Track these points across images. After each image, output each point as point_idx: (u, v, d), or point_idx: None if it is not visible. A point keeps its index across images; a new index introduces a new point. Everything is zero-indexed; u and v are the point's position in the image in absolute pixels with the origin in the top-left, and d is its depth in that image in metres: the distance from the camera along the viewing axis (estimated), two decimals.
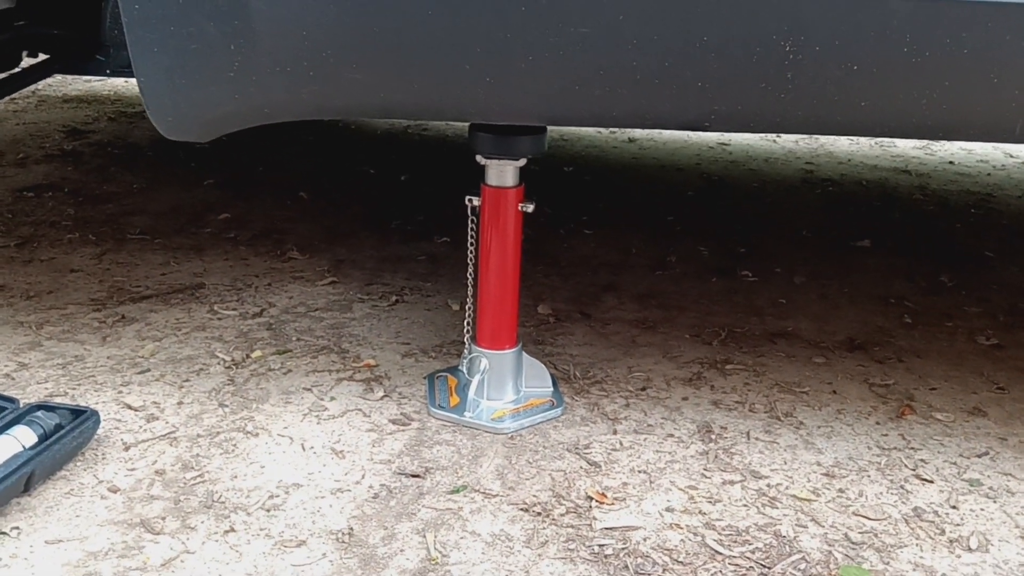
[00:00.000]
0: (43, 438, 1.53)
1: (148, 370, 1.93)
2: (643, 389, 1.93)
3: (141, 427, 1.72)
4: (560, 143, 3.94)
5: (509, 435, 1.75)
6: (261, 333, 2.14)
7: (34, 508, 1.47)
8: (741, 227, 2.96)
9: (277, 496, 1.53)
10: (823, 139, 4.27)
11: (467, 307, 1.84)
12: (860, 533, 1.48)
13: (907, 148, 4.16)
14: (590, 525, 1.48)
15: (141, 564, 1.36)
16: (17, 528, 1.42)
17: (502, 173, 1.75)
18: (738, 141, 4.11)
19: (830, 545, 1.45)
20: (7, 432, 1.51)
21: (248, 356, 2.02)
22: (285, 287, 2.40)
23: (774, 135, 4.30)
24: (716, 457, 1.68)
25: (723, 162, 3.74)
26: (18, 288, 2.31)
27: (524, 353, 1.86)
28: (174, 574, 1.34)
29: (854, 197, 3.35)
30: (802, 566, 1.40)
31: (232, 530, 1.44)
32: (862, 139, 4.25)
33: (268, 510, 1.50)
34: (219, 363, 1.98)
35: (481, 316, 1.82)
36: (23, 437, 1.50)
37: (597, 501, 1.55)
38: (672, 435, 1.76)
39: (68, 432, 1.55)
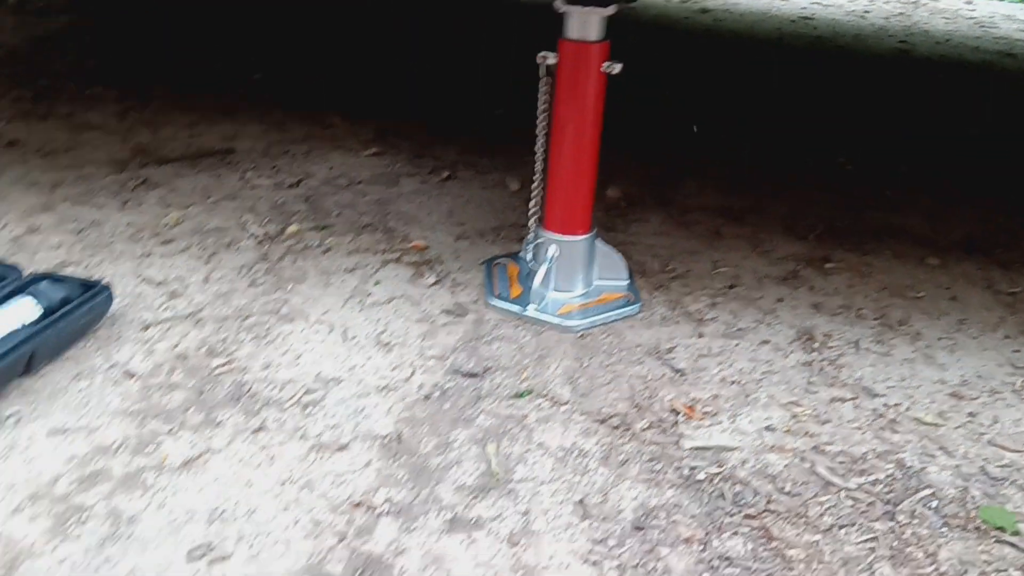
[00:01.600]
0: (48, 313, 1.32)
1: (172, 241, 1.72)
2: (731, 287, 1.68)
3: (162, 304, 1.51)
4: (625, 12, 3.58)
5: (579, 333, 1.52)
6: (298, 206, 1.91)
7: (37, 392, 1.28)
8: (834, 110, 2.63)
9: (315, 391, 1.33)
10: (916, 16, 3.86)
11: (534, 185, 1.58)
12: (999, 467, 1.25)
13: (1011, 30, 3.73)
14: (677, 443, 1.27)
15: (157, 463, 1.17)
16: (16, 415, 1.23)
17: (585, 24, 1.46)
18: (823, 16, 3.71)
19: (965, 480, 1.22)
20: (6, 305, 1.30)
21: (283, 230, 1.79)
22: (325, 156, 2.16)
23: (863, 9, 3.89)
24: (821, 369, 1.45)
25: (807, 37, 3.37)
26: (32, 144, 2.09)
27: (598, 240, 1.61)
28: (195, 477, 1.15)
29: (956, 80, 2.99)
30: (933, 504, 1.17)
31: (263, 428, 1.25)
32: (960, 19, 3.83)
33: (304, 407, 1.30)
34: (251, 237, 1.76)
35: (551, 196, 1.57)
36: (25, 311, 1.30)
37: (685, 415, 1.32)
38: (768, 341, 1.52)
39: (77, 307, 1.35)
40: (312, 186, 2.01)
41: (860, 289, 1.69)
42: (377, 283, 1.63)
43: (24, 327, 1.28)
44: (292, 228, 1.81)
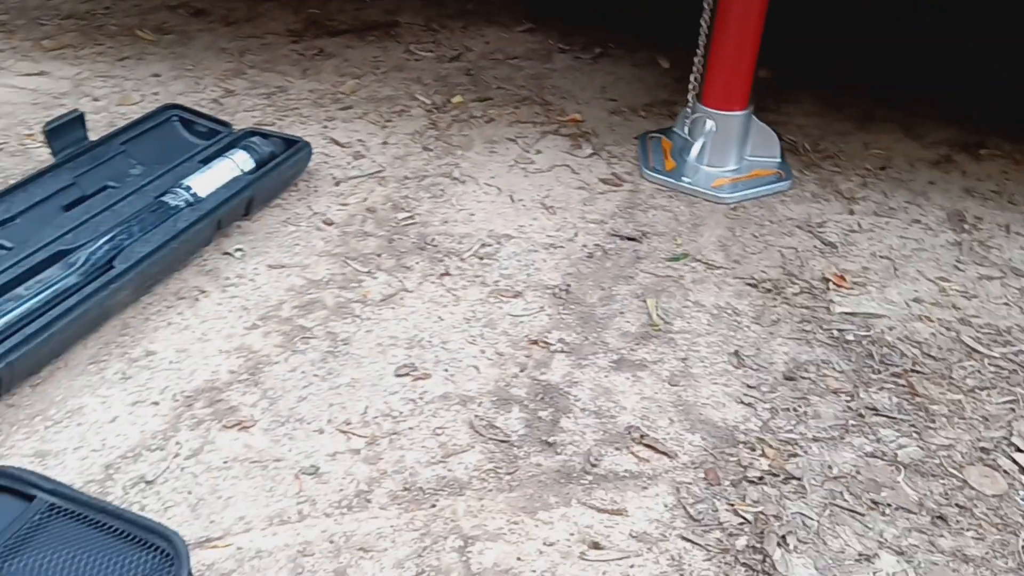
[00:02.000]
0: (260, 164, 1.49)
1: (350, 107, 1.86)
2: (882, 168, 1.72)
3: (349, 164, 1.67)
4: None
5: (731, 205, 1.60)
6: (460, 78, 2.02)
7: (255, 233, 1.46)
8: None
9: (489, 245, 1.47)
10: None
11: (696, 58, 1.64)
12: None
13: None
14: (827, 308, 1.36)
15: (361, 297, 1.34)
16: (241, 250, 1.42)
17: None
18: None
19: None
20: (227, 155, 1.48)
21: (448, 101, 1.91)
22: (480, 31, 2.25)
23: None
24: (971, 249, 1.49)
25: None
26: (217, 13, 2.25)
27: (754, 117, 1.67)
28: (393, 310, 1.32)
29: None
30: None
31: (447, 274, 1.40)
32: None
33: (481, 258, 1.44)
34: (420, 106, 1.89)
35: (712, 70, 1.62)
36: (242, 161, 1.48)
37: (835, 284, 1.41)
38: (918, 221, 1.57)
39: (284, 160, 1.51)
40: (471, 60, 2.11)
41: (1014, 176, 1.70)
42: (538, 152, 1.74)
43: (243, 175, 1.46)
44: (457, 99, 1.93)
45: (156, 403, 1.13)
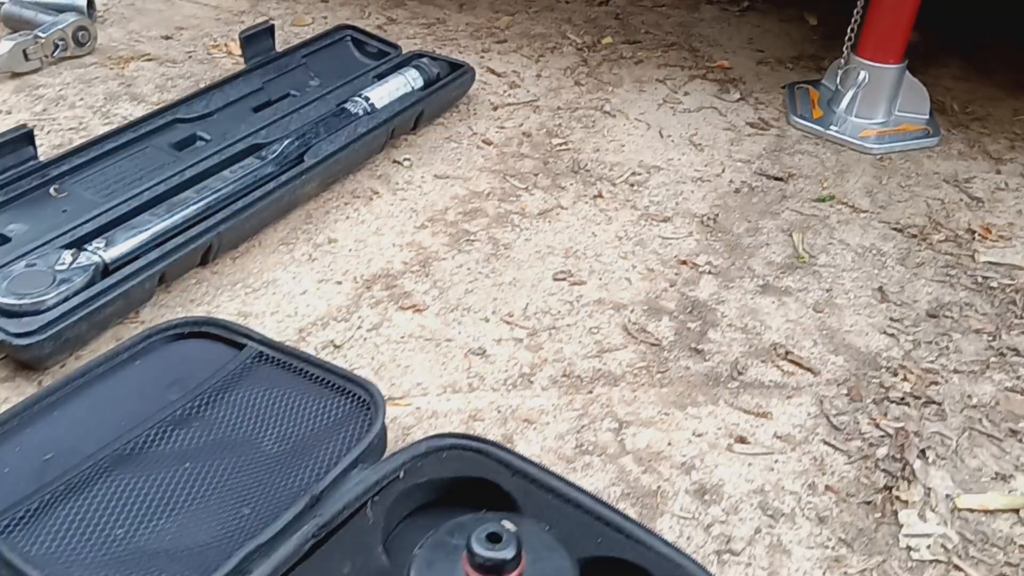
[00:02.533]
0: (428, 83, 1.59)
1: (505, 41, 1.95)
2: None
3: (505, 92, 1.76)
4: None
5: (878, 156, 1.63)
6: (608, 22, 2.08)
7: (420, 146, 1.56)
8: None
9: (639, 174, 1.54)
10: None
11: (856, 9, 1.66)
12: None
13: None
14: (972, 256, 1.38)
15: (520, 210, 1.43)
16: (408, 160, 1.52)
17: None
18: None
19: None
20: (400, 72, 1.58)
21: (598, 42, 1.98)
22: None
23: None
24: None
25: None
26: None
27: (907, 73, 1.69)
28: (550, 223, 1.40)
29: None
30: None
31: (600, 196, 1.48)
32: None
33: (631, 185, 1.51)
34: (570, 44, 1.96)
35: (870, 21, 1.65)
36: (412, 79, 1.58)
37: (980, 235, 1.43)
38: None
39: (450, 82, 1.61)
40: (619, 5, 2.16)
41: None
42: (686, 94, 1.80)
43: (414, 91, 1.56)
44: (606, 40, 1.99)
45: (339, 282, 1.25)
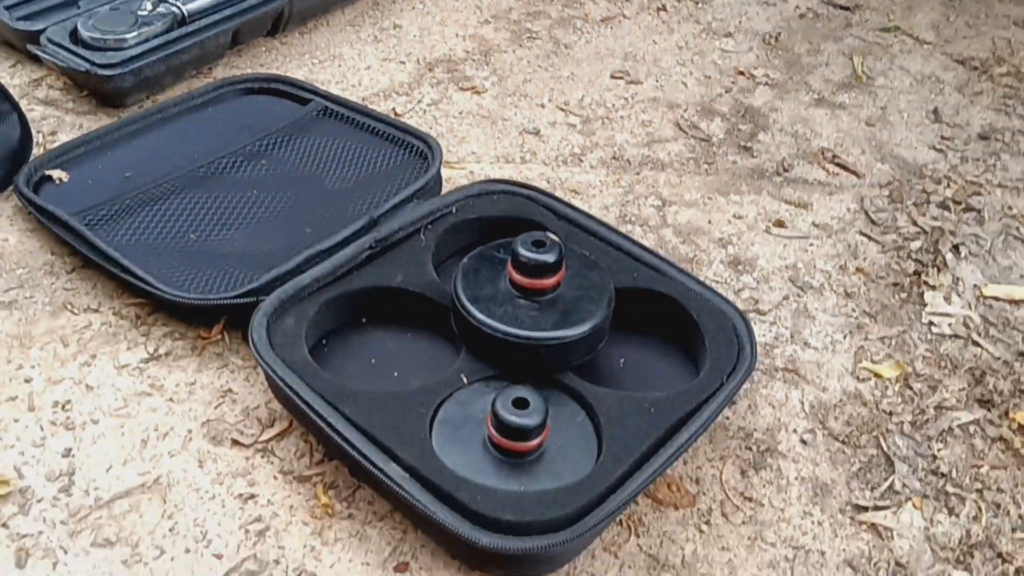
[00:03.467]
0: None
1: None
2: None
3: None
4: None
5: None
6: None
7: None
8: None
9: None
10: None
11: None
12: None
13: None
14: None
15: (583, 15, 1.44)
16: None
17: None
18: None
19: None
20: None
21: None
22: None
23: None
24: None
25: None
26: None
27: None
28: (611, 30, 1.42)
29: None
30: None
31: (663, 8, 1.48)
32: None
33: (696, 1, 1.51)
34: None
35: None
36: None
37: None
38: None
39: None
40: None
41: None
42: None
43: None
44: None
45: (403, 62, 1.29)
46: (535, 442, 0.72)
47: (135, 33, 1.09)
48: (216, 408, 0.81)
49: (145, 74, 1.10)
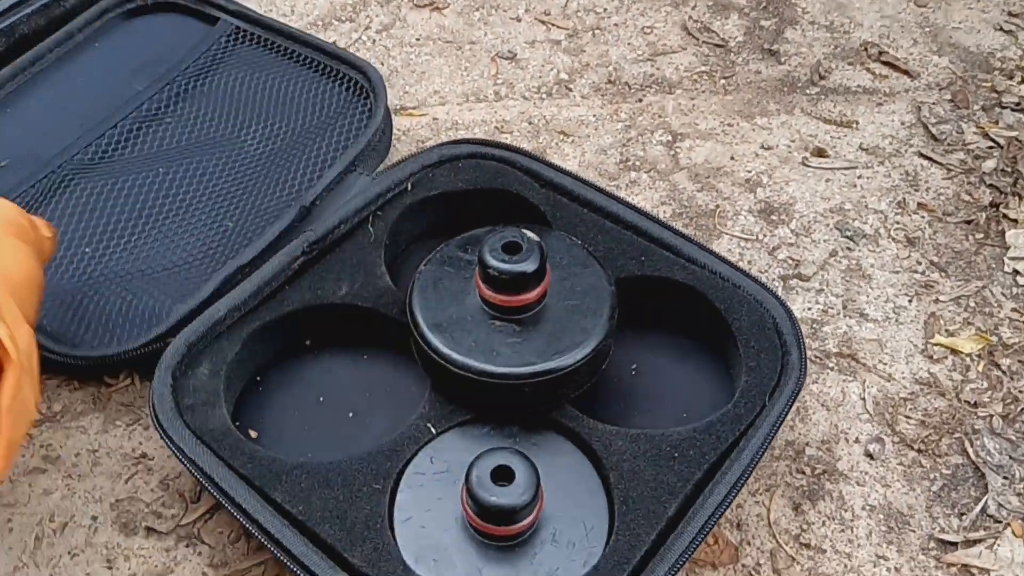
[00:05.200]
0: None
1: None
2: None
3: None
4: None
5: None
6: None
7: None
8: None
9: None
10: None
11: None
12: None
13: None
14: None
15: None
16: None
17: None
18: None
19: None
20: None
21: None
22: None
23: None
24: None
25: None
26: None
27: None
28: None
29: None
30: None
31: None
32: None
33: None
34: None
35: None
36: None
37: None
38: None
39: None
40: None
41: None
42: None
43: None
44: None
45: None
46: (525, 523, 0.55)
47: None
48: (127, 482, 0.64)
49: (20, 31, 0.89)
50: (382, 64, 0.96)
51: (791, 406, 0.60)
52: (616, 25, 1.01)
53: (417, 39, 0.99)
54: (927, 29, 1.01)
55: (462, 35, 1.00)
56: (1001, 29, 1.01)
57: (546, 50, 0.98)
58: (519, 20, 1.02)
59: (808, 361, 0.71)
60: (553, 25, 1.01)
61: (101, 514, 0.63)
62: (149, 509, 0.63)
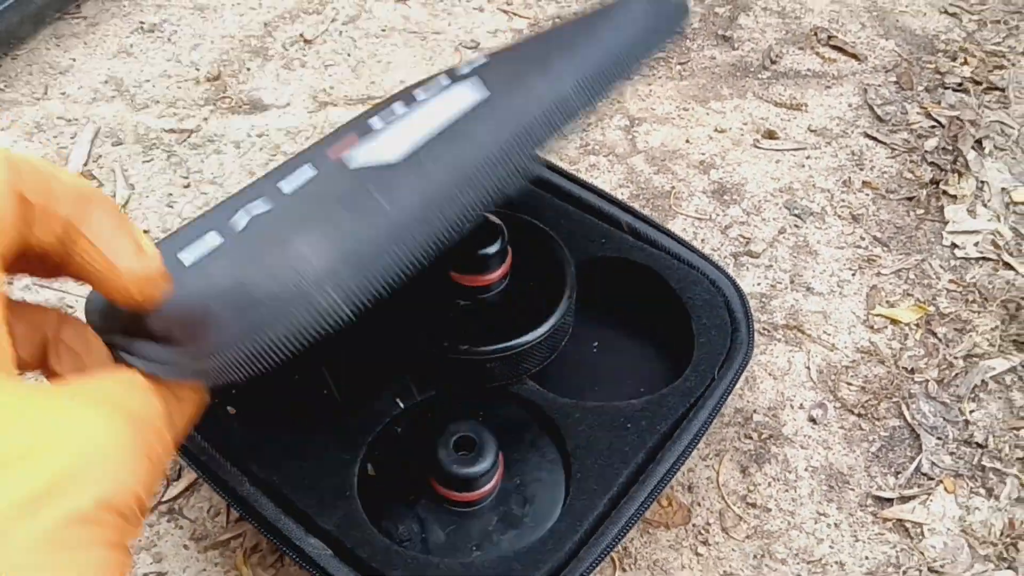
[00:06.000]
0: None
1: None
2: None
3: None
4: None
5: None
6: None
7: None
8: None
9: None
10: None
11: None
12: None
13: None
14: None
15: None
16: None
17: None
18: None
19: None
20: None
21: None
22: None
23: None
24: None
25: None
26: None
27: None
28: None
29: None
30: None
31: None
32: None
33: None
34: None
35: None
36: None
37: None
38: None
39: None
40: None
41: None
42: None
43: None
44: None
45: None
46: (486, 489, 0.59)
47: None
48: None
49: None
50: (349, 55, 0.99)
51: (737, 379, 0.64)
52: (576, 14, 1.04)
53: (383, 30, 1.02)
54: (875, 13, 1.05)
55: (427, 25, 1.03)
56: (946, 12, 1.06)
57: (509, 39, 1.02)
58: (482, 10, 1.05)
59: (757, 334, 0.75)
60: (515, 15, 1.04)
61: None
62: None
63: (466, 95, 0.50)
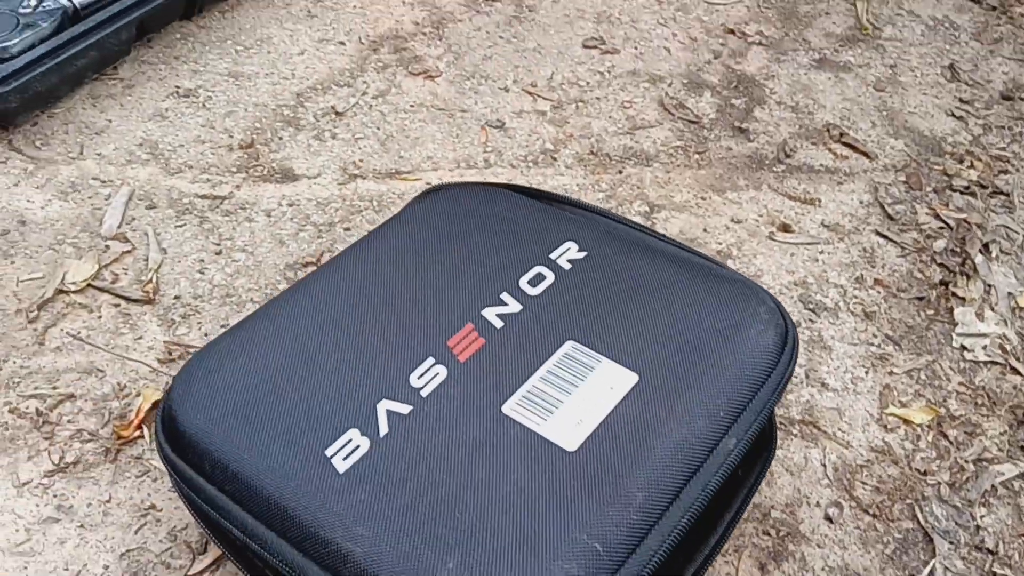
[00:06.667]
0: None
1: None
2: None
3: None
4: None
5: None
6: None
7: None
8: None
9: None
10: None
11: None
12: None
13: None
14: None
15: None
16: None
17: None
18: None
19: None
20: None
21: None
22: None
23: None
24: None
25: None
26: None
27: None
28: None
29: None
30: None
31: None
32: None
33: None
34: None
35: None
36: None
37: None
38: None
39: None
40: None
41: None
42: None
43: None
44: None
45: (342, 43, 1.11)
46: None
47: (17, 40, 0.91)
48: (136, 533, 0.68)
49: (34, 88, 0.92)
50: (378, 129, 1.01)
51: (762, 478, 0.66)
52: (598, 99, 1.08)
53: (411, 106, 1.05)
54: (884, 112, 1.09)
55: (454, 103, 1.06)
56: (952, 115, 1.10)
57: (533, 120, 1.05)
58: (507, 90, 1.08)
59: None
60: (539, 96, 1.08)
61: (112, 563, 0.66)
62: (158, 559, 0.66)
63: (616, 376, 0.59)
